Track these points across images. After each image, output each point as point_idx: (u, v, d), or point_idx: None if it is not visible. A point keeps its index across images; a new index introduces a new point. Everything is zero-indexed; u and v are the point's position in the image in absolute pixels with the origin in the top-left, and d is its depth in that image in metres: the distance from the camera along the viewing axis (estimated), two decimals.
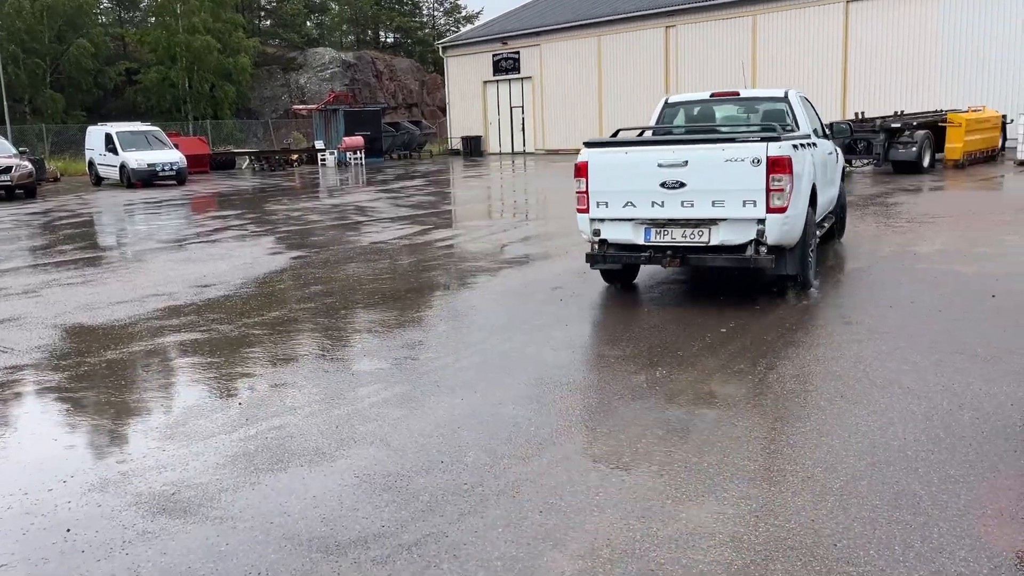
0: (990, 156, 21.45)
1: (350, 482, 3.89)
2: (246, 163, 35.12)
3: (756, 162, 6.64)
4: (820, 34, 29.45)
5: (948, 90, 26.51)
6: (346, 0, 56.93)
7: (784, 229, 6.79)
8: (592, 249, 7.41)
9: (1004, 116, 22.59)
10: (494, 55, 39.92)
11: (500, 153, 40.43)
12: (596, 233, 7.36)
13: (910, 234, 10.63)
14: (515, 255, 10.46)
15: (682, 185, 6.85)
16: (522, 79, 39.20)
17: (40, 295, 8.85)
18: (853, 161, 19.97)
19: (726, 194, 6.77)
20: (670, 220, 7.03)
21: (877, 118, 20.22)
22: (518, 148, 40.10)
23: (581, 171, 7.31)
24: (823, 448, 4.03)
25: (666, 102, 9.40)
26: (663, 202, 6.97)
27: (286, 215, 16.14)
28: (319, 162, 34.93)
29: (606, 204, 7.22)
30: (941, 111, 22.08)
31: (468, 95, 41.49)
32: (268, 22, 57.01)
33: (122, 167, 25.89)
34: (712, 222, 6.91)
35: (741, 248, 6.88)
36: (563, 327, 6.60)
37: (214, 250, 11.74)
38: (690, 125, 8.95)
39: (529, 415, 4.65)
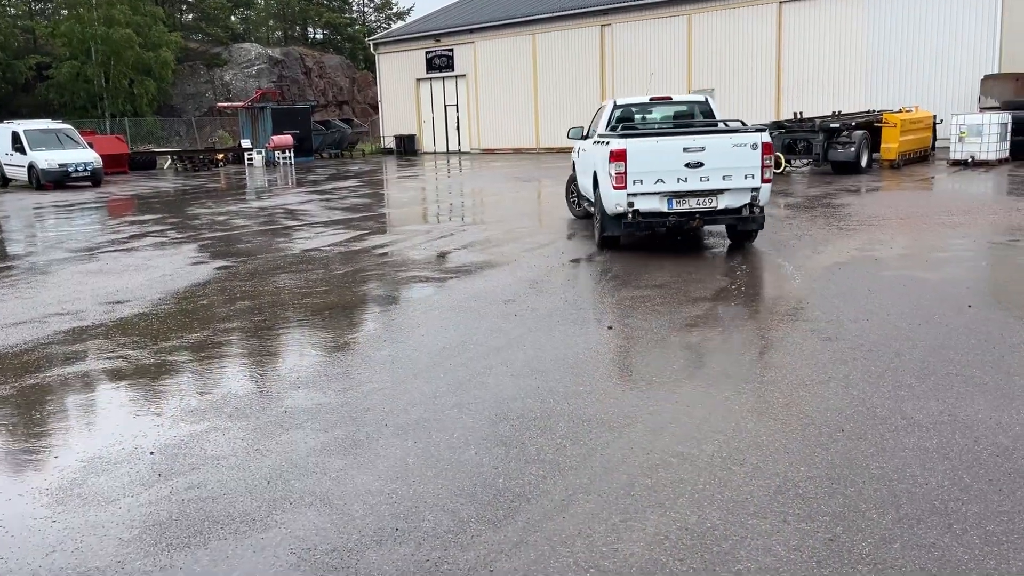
0: (923, 156, 21.68)
1: (285, 560, 3.20)
2: (168, 163, 33.53)
3: (754, 146, 8.93)
4: (754, 34, 29.53)
5: (876, 90, 26.86)
6: None
7: (768, 195, 9.22)
8: (627, 218, 9.15)
9: (935, 116, 22.89)
10: (427, 52, 39.08)
11: (435, 152, 39.63)
12: (631, 205, 9.08)
13: (864, 237, 10.35)
14: (460, 264, 9.81)
15: (701, 165, 8.91)
16: (456, 77, 38.46)
17: None
18: (793, 161, 19.92)
19: (733, 170, 8.95)
20: (689, 192, 9.00)
21: (816, 118, 20.19)
22: (453, 147, 39.36)
23: (620, 156, 8.92)
24: (838, 499, 3.50)
25: (615, 103, 11.38)
26: (686, 178, 8.94)
27: (210, 220, 15.13)
28: (246, 162, 33.59)
29: (640, 181, 8.98)
30: (875, 111, 22.25)
31: (401, 93, 40.55)
32: (190, 16, 54.84)
33: (31, 168, 24.25)
34: (720, 192, 9.01)
35: (739, 210, 9.11)
36: (522, 348, 5.98)
37: (130, 260, 10.76)
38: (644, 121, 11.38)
39: (495, 463, 4.01)
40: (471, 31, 37.34)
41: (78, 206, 19.02)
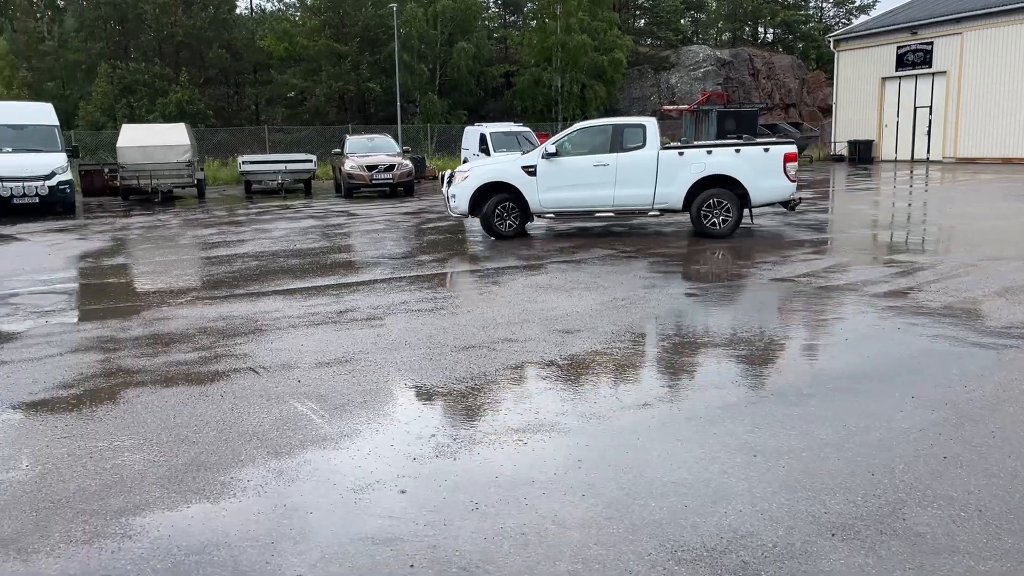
0: None
1: None
2: None
3: None
4: None
5: None
6: None
7: None
8: (792, 203, 12.93)
9: None
10: (899, 47, 34.35)
11: (896, 160, 34.79)
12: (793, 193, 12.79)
13: None
14: (1009, 325, 7.02)
15: None
16: (932, 74, 33.21)
17: (383, 324, 7.47)
18: None
19: None
20: None
21: None
22: (920, 155, 34.15)
23: (794, 157, 12.55)
24: None
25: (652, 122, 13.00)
26: None
27: (655, 230, 13.90)
28: None
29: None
30: None
31: (860, 94, 36.33)
32: (642, 22, 55.93)
33: None
34: None
35: None
36: None
37: (579, 275, 9.80)
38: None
39: None
40: (958, 20, 31.85)
41: None
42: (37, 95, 33.87)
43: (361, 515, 3.73)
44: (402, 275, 10.21)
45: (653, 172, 12.50)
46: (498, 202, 12.95)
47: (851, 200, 19.88)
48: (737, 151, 12.52)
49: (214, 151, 33.99)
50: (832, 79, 39.92)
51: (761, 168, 12.40)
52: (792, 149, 12.67)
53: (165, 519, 3.75)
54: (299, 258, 11.90)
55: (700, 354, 6.31)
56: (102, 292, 9.80)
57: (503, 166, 13.19)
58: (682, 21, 55.61)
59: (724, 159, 12.45)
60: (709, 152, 12.56)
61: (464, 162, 28.74)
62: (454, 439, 4.62)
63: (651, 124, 12.77)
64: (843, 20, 55.12)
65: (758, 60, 47.20)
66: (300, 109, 42.90)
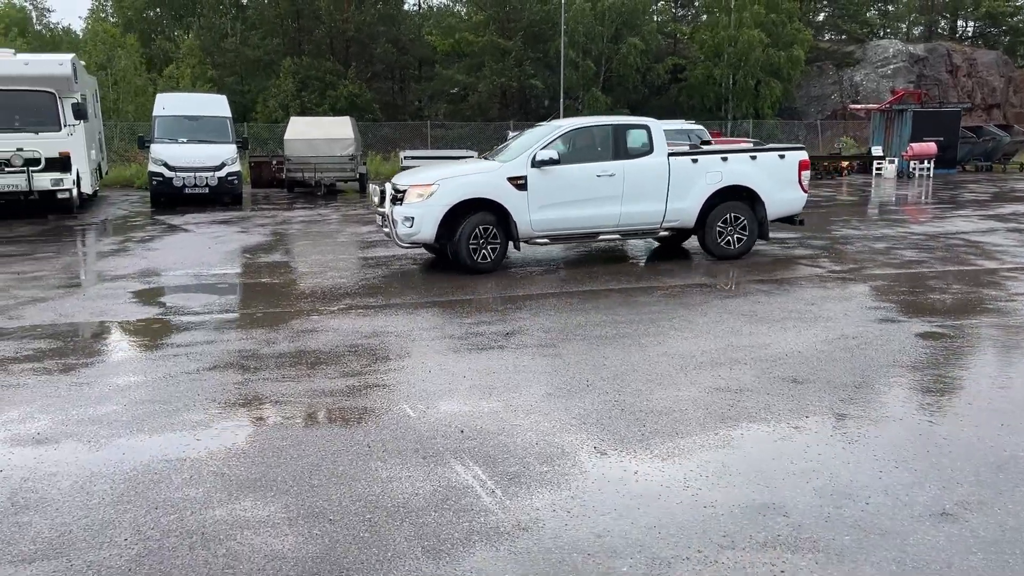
0: None
1: None
2: None
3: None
4: None
5: None
6: None
7: None
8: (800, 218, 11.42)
9: None
10: None
11: None
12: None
13: None
14: None
15: None
16: None
17: (558, 353, 6.25)
18: None
19: None
20: None
21: None
22: None
23: (808, 165, 11.21)
24: None
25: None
26: None
27: (867, 247, 11.97)
28: (873, 171, 29.59)
29: None
30: None
31: None
32: (822, 16, 52.09)
33: None
34: None
35: None
36: None
37: (786, 301, 8.20)
38: None
39: None
40: None
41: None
42: (219, 90, 35.21)
43: None
44: (573, 289, 8.98)
45: (664, 183, 10.50)
46: (476, 225, 9.76)
47: None
48: (753, 157, 11.11)
49: (378, 145, 34.15)
50: None
51: (777, 177, 11.02)
52: (806, 156, 11.30)
53: None
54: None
55: (989, 427, 4.67)
56: (254, 294, 9.16)
57: (484, 177, 9.99)
58: (869, 13, 51.36)
59: (741, 167, 10.89)
60: (724, 159, 10.90)
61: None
62: (674, 554, 3.30)
63: (655, 125, 10.86)
64: None
65: (957, 56, 42.68)
66: (462, 105, 42.67)
